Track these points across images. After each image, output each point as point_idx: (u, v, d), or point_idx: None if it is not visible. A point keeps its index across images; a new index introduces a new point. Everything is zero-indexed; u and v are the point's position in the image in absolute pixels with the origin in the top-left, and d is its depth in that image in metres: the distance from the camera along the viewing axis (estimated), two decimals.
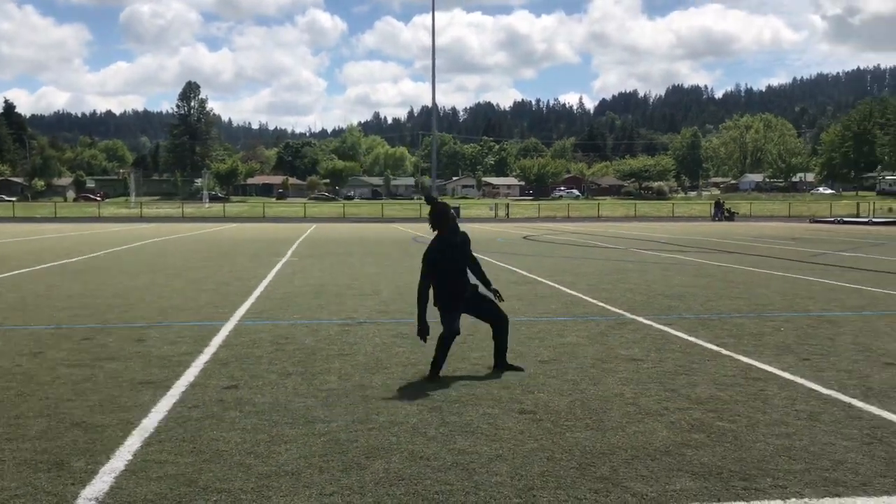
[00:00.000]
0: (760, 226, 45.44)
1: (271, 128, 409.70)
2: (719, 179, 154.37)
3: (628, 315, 9.59)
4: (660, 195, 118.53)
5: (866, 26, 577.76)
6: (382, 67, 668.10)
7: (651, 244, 25.29)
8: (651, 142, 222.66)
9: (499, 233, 34.71)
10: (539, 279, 13.88)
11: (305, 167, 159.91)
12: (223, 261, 18.21)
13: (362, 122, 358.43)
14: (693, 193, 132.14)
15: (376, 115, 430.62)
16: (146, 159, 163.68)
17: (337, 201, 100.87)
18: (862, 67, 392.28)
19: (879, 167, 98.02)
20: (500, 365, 6.51)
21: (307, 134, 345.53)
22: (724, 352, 7.31)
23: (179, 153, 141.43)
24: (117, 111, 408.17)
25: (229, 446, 4.51)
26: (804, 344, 7.68)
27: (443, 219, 6.19)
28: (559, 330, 8.54)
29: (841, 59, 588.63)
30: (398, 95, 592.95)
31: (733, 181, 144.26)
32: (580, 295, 11.55)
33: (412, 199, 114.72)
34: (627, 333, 8.31)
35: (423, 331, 6.04)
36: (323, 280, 13.77)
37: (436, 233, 6.25)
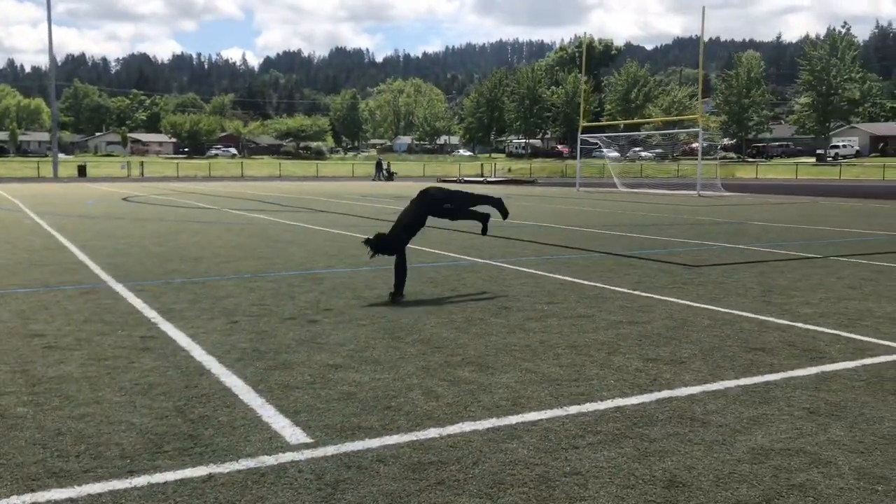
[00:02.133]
0: (400, 185, 47.37)
1: None
2: (378, 141, 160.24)
3: (109, 283, 8.77)
4: (318, 155, 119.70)
5: (506, 2, 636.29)
6: (18, 8, 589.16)
7: (255, 204, 24.76)
8: (314, 102, 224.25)
9: (105, 193, 31.80)
10: (67, 245, 12.50)
11: None
12: None
13: None
14: (352, 154, 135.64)
15: (11, 63, 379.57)
16: None
17: None
18: (504, 39, 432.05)
19: (507, 132, 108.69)
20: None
21: None
22: (157, 318, 6.80)
23: None
24: None
25: None
26: (255, 307, 7.45)
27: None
28: (10, 303, 7.44)
29: (487, 31, 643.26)
30: (39, 41, 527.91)
31: (389, 143, 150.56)
32: (88, 263, 10.46)
33: (46, 155, 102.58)
34: (73, 303, 7.48)
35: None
36: None
37: None
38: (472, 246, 12.63)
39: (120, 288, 8.45)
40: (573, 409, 4.47)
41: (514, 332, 6.41)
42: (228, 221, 17.67)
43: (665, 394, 4.79)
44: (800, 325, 6.78)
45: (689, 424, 4.23)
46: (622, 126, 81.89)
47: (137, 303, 7.59)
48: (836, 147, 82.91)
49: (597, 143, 40.00)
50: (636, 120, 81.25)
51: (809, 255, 11.63)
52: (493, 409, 4.46)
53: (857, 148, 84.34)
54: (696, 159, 72.26)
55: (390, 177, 56.59)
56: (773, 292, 8.41)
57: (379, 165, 58.32)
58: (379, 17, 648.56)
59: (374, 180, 54.87)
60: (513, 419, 4.29)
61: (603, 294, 8.25)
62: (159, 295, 8.01)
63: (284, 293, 8.18)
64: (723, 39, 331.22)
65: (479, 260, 10.92)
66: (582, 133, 37.52)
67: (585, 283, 8.99)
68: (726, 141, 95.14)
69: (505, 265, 10.38)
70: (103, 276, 9.29)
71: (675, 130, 61.71)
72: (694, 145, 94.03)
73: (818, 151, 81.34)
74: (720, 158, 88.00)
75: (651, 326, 6.69)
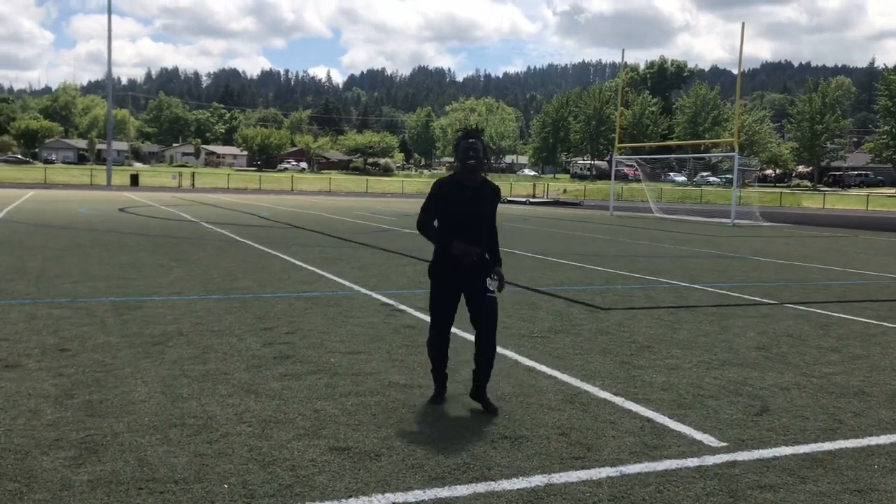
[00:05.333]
0: None
1: None
2: (448, 159, 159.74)
3: None
4: (386, 171, 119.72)
5: (590, 24, 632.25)
6: (119, 24, 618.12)
7: (243, 217, 23.87)
8: (392, 119, 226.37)
9: (119, 201, 31.43)
10: None
11: None
12: None
13: (93, 81, 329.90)
14: (422, 171, 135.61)
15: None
16: None
17: (32, 165, 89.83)
18: (586, 60, 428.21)
19: (570, 152, 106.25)
20: (478, 396, 4.89)
21: (27, 91, 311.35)
22: None
23: None
24: None
25: None
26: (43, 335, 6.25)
27: (456, 151, 4.79)
28: None
29: (570, 52, 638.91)
30: (136, 55, 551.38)
31: None
32: None
33: (122, 164, 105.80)
34: None
35: (446, 248, 4.74)
36: None
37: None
38: (382, 274, 11.21)
39: None
40: None
41: (236, 395, 5.01)
42: (180, 237, 16.68)
43: None
44: (618, 401, 5.14)
45: None
46: (688, 148, 78.90)
47: None
48: None
49: (633, 165, 37.98)
50: (671, 142, 78.36)
51: (763, 301, 9.75)
52: None
53: None
54: (767, 186, 68.77)
55: None
56: (651, 349, 6.73)
57: None
58: (462, 37, 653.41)
59: None
60: None
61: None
62: None
63: (55, 324, 6.95)
64: (813, 65, 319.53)
65: (364, 291, 9.51)
66: (619, 155, 35.68)
67: None
68: (801, 168, 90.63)
69: (383, 299, 8.94)
70: None
71: (710, 154, 59.14)
72: (767, 172, 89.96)
73: None
74: (793, 186, 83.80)
75: (428, 394, 5.16)
